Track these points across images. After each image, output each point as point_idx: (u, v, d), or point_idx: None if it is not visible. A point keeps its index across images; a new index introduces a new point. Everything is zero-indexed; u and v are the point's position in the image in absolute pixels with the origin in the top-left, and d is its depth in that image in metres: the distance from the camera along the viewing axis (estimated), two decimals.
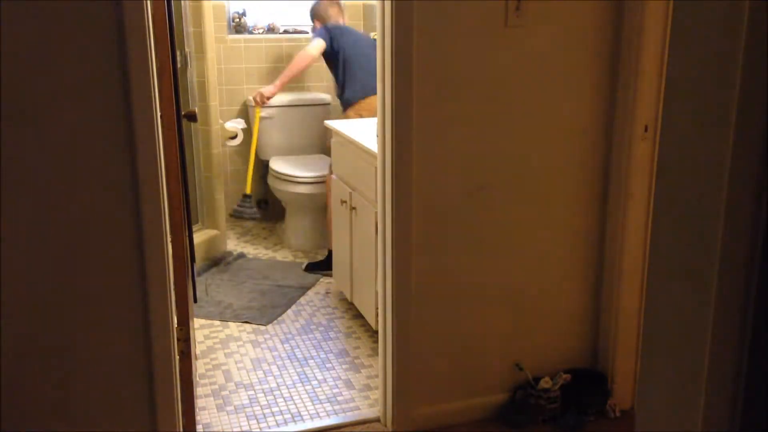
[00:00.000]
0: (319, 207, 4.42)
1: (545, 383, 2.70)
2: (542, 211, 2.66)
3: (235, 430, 2.73)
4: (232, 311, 3.68)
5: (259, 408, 2.87)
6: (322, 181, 4.19)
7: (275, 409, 2.86)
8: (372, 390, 2.98)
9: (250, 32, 4.77)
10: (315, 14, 4.41)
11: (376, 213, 2.86)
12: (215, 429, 2.73)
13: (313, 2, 4.43)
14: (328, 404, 2.89)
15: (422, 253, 2.54)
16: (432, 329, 2.62)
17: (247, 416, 2.81)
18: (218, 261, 4.25)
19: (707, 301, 0.90)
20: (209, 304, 3.74)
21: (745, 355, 0.88)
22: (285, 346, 3.36)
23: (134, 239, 2.14)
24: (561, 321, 2.81)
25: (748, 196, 0.84)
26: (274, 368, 3.17)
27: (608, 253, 2.75)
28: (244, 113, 4.75)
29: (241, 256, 4.38)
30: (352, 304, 3.55)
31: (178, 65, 2.86)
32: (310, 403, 2.90)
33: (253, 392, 2.98)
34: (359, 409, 2.86)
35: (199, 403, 2.85)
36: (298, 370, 3.15)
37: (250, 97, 4.65)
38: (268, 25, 4.81)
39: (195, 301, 2.92)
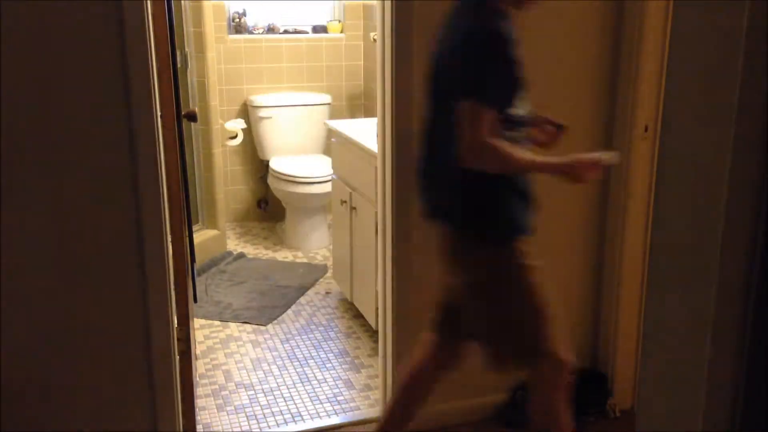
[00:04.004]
0: (319, 207, 4.42)
1: None
2: (541, 211, 2.66)
3: (235, 430, 2.73)
4: (231, 311, 3.67)
5: (259, 408, 2.87)
6: (322, 181, 4.18)
7: (275, 409, 2.86)
8: (372, 390, 2.97)
9: (250, 32, 4.77)
10: None
11: (376, 213, 2.86)
12: (215, 429, 2.73)
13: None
14: (328, 404, 2.89)
15: (422, 252, 2.54)
16: None
17: (247, 416, 2.81)
18: (218, 261, 4.25)
19: (707, 301, 0.90)
20: (209, 304, 3.74)
21: (745, 355, 0.88)
22: (285, 346, 3.36)
23: (134, 239, 2.14)
24: (561, 321, 2.80)
25: (748, 195, 0.84)
26: (274, 368, 3.16)
27: (608, 253, 2.74)
28: (244, 113, 4.75)
29: (241, 256, 4.38)
30: (352, 304, 3.55)
31: (178, 65, 2.85)
32: (310, 403, 2.89)
33: (253, 392, 2.98)
34: (359, 409, 2.86)
35: (199, 403, 2.85)
36: (298, 370, 3.15)
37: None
38: (268, 25, 4.80)
39: (195, 301, 2.91)
